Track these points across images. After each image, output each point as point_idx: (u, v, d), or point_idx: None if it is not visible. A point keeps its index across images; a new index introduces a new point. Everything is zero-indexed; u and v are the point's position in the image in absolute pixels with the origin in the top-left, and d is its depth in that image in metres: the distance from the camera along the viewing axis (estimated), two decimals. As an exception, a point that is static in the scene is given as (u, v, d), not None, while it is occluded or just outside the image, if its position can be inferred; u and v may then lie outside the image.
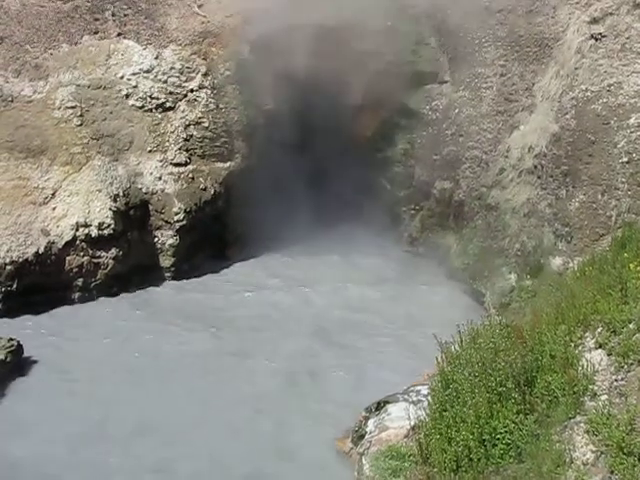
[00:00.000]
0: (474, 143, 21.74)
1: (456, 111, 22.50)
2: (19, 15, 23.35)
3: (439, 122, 23.08)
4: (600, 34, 18.98)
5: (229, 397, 15.92)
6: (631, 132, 17.27)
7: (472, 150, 21.78)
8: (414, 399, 12.41)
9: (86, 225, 20.56)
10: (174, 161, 22.44)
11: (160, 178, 22.16)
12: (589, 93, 18.40)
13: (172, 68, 22.82)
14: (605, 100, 18.01)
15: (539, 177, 18.94)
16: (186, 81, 22.84)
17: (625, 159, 17.09)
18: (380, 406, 13.19)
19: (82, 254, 20.60)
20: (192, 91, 22.86)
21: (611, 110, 17.80)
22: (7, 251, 19.74)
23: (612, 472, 7.19)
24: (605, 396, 7.98)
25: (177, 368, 17.17)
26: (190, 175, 22.55)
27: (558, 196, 18.11)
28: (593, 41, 19.05)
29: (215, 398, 15.89)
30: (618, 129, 17.48)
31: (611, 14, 19.26)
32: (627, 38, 18.55)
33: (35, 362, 17.37)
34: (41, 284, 19.92)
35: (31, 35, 22.90)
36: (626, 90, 17.83)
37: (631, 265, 9.91)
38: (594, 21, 19.47)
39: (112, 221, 20.78)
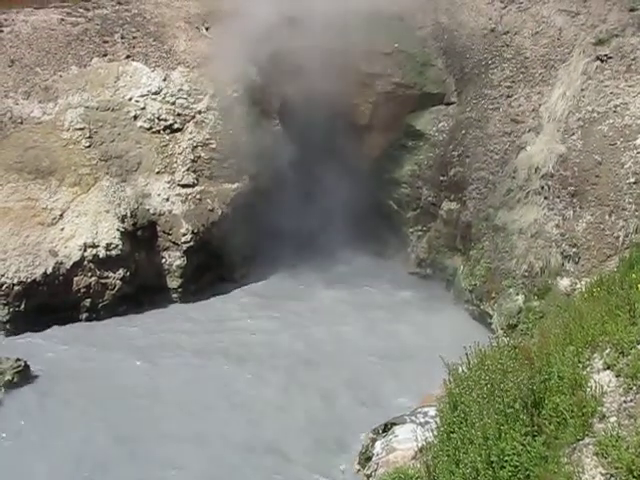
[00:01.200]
0: (481, 164, 21.76)
1: (463, 132, 22.56)
2: (30, 38, 23.59)
3: (446, 143, 23.13)
4: (606, 55, 19.08)
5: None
6: (637, 152, 17.29)
7: (479, 171, 21.80)
8: (421, 421, 12.36)
9: (94, 246, 20.62)
10: (182, 182, 22.52)
11: (168, 199, 22.23)
12: (595, 114, 18.45)
13: (180, 90, 22.98)
14: (611, 121, 18.06)
15: (546, 198, 18.93)
16: (194, 103, 22.99)
17: (632, 180, 17.10)
18: (387, 428, 13.12)
19: (90, 275, 20.65)
20: (200, 112, 23.00)
21: (617, 131, 17.84)
22: (15, 271, 19.81)
23: (622, 495, 7.13)
24: (614, 418, 7.90)
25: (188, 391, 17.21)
26: (198, 196, 22.62)
27: (565, 217, 18.10)
28: (599, 62, 19.15)
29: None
30: (625, 150, 17.50)
31: (616, 36, 19.38)
32: (633, 59, 18.64)
33: (41, 382, 17.36)
34: (49, 304, 19.97)
35: (41, 58, 23.13)
36: (632, 111, 17.89)
37: (639, 286, 9.87)
38: (600, 43, 19.57)
39: (120, 242, 20.84)
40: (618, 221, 16.94)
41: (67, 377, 17.56)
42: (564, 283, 17.53)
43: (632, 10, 20.43)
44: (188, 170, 22.63)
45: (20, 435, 15.28)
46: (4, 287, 19.66)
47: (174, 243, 22.06)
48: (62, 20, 24.34)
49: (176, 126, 22.84)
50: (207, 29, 24.50)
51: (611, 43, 19.24)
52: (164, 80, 23.00)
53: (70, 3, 25.37)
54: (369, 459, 12.89)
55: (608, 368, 8.70)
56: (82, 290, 20.63)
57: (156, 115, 22.65)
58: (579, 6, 22.14)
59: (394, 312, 21.23)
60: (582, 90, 19.08)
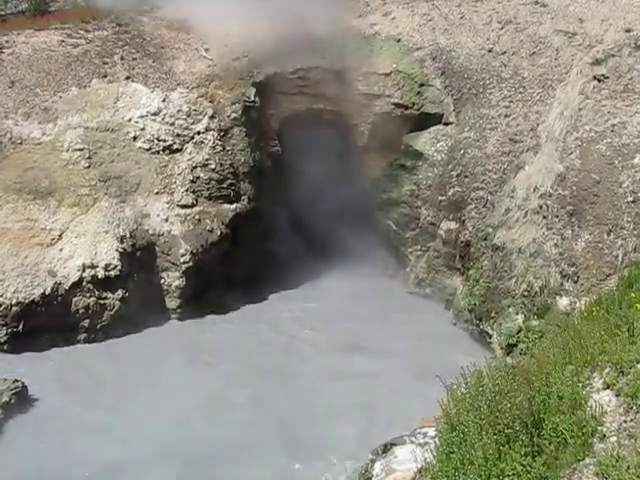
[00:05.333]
0: (479, 184, 21.80)
1: (461, 152, 22.62)
2: (30, 59, 23.74)
3: (444, 163, 23.18)
4: (603, 75, 19.18)
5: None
6: (636, 172, 17.33)
7: (478, 191, 21.83)
8: (421, 441, 12.23)
9: (93, 266, 20.59)
10: (181, 203, 22.54)
11: (167, 220, 22.24)
12: (593, 133, 18.51)
13: (179, 111, 23.07)
14: (609, 140, 18.12)
15: (545, 217, 18.94)
16: (193, 123, 23.08)
17: (630, 198, 17.13)
18: (387, 448, 12.98)
19: (88, 295, 20.59)
20: (199, 133, 23.08)
21: (615, 150, 17.90)
22: (14, 292, 19.76)
23: (623, 516, 7.06)
24: (614, 438, 7.85)
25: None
26: (196, 217, 22.63)
27: (564, 236, 18.09)
28: (596, 82, 19.25)
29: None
30: (623, 169, 17.55)
31: (613, 56, 19.50)
32: (629, 79, 18.74)
33: (39, 403, 17.27)
34: (47, 325, 19.88)
35: (41, 79, 23.25)
36: (630, 130, 17.95)
37: (638, 305, 9.84)
38: (596, 62, 19.69)
39: (119, 262, 20.81)
40: (617, 240, 16.95)
41: (65, 398, 17.46)
42: (563, 302, 17.50)
43: (628, 31, 20.59)
44: (187, 191, 22.66)
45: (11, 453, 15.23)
46: (2, 308, 19.61)
47: (173, 264, 22.03)
48: (62, 42, 24.52)
49: (175, 147, 22.90)
50: (206, 50, 24.64)
51: (608, 63, 19.35)
52: (163, 101, 23.10)
53: (70, 25, 25.57)
54: (368, 480, 12.77)
55: (608, 387, 8.65)
56: (81, 311, 20.56)
57: (155, 136, 22.72)
58: (576, 26, 22.35)
59: (393, 330, 21.15)
60: (580, 110, 19.17)
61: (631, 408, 8.11)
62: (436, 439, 10.21)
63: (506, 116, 22.00)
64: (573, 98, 19.77)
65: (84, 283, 20.51)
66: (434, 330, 21.20)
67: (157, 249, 22.02)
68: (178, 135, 22.91)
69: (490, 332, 19.54)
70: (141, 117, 22.83)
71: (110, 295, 20.86)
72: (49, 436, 15.90)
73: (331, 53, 24.05)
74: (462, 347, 19.63)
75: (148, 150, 22.69)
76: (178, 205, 22.51)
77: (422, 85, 23.83)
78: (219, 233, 22.81)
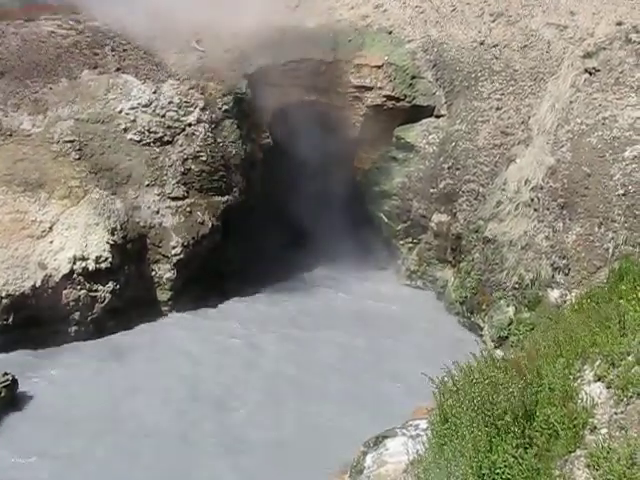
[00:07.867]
0: (471, 176, 21.84)
1: (453, 145, 22.64)
2: (20, 50, 23.54)
3: (436, 156, 23.21)
4: (594, 68, 19.22)
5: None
6: (626, 165, 17.38)
7: (469, 183, 21.88)
8: (413, 433, 12.25)
9: (83, 258, 20.48)
10: (172, 195, 22.45)
11: (158, 212, 22.16)
12: (584, 126, 18.55)
13: (170, 102, 22.95)
14: (600, 133, 18.16)
15: (536, 210, 18.99)
16: (184, 115, 22.97)
17: (621, 191, 17.18)
18: (378, 441, 13.00)
19: (79, 287, 20.48)
20: (190, 125, 22.97)
21: (606, 143, 17.94)
22: (3, 284, 19.64)
23: (614, 507, 7.10)
24: (605, 429, 7.89)
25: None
26: (188, 209, 22.54)
27: (555, 229, 18.15)
28: (587, 75, 19.29)
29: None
30: (613, 162, 17.60)
31: (604, 49, 19.54)
32: (620, 72, 18.78)
33: (30, 397, 17.22)
34: (37, 318, 19.77)
35: (31, 70, 23.06)
36: (620, 123, 18.00)
37: (628, 297, 9.88)
38: (588, 56, 19.72)
39: (109, 254, 20.71)
40: (607, 233, 17.01)
41: (55, 392, 17.43)
42: (554, 294, 17.57)
43: (619, 24, 20.63)
44: (178, 183, 22.57)
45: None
46: (-8, 300, 19.52)
47: (164, 256, 21.95)
48: (52, 32, 24.31)
49: (166, 139, 22.78)
50: (197, 42, 24.52)
51: (599, 56, 19.39)
52: (154, 93, 22.96)
53: (60, 15, 25.36)
54: (360, 472, 12.77)
55: (599, 380, 8.68)
56: (71, 303, 20.44)
57: (146, 127, 22.59)
58: (567, 20, 22.40)
59: (384, 323, 21.19)
60: (571, 103, 19.20)
61: (621, 400, 8.14)
62: (428, 431, 10.24)
63: (497, 109, 22.03)
64: (564, 91, 19.81)
65: (75, 275, 20.40)
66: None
67: (148, 241, 21.93)
68: (169, 127, 22.80)
69: (481, 324, 19.62)
70: (132, 109, 22.70)
71: (101, 287, 20.77)
72: (37, 429, 15.88)
73: (323, 45, 24.01)
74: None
75: (139, 142, 22.57)
76: (169, 197, 22.42)
77: (414, 77, 23.82)
78: (210, 225, 22.74)
